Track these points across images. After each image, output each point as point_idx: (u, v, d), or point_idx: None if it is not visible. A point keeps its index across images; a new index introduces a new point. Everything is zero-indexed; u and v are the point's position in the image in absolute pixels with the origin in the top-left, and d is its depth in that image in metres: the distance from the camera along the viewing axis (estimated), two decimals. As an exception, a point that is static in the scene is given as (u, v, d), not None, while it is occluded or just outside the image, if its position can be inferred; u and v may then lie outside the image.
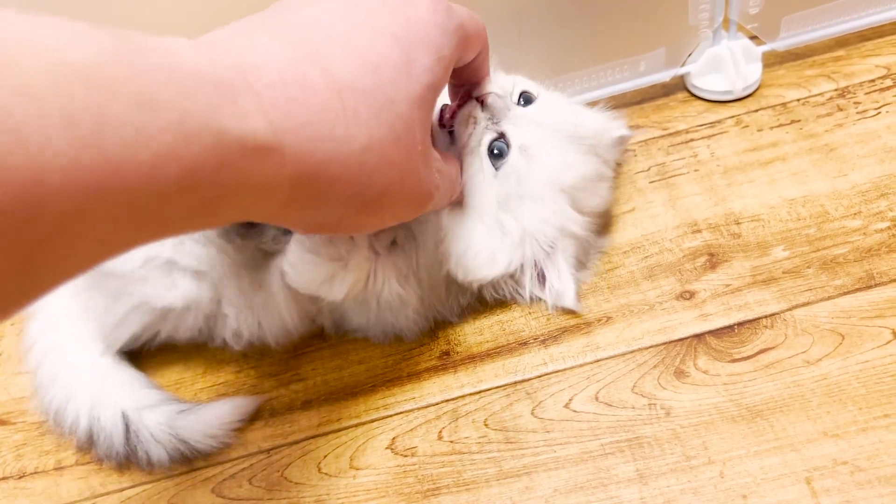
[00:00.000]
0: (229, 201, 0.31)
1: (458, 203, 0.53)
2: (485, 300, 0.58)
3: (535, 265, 0.55)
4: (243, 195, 0.31)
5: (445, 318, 0.58)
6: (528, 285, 0.55)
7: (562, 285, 0.54)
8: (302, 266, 0.48)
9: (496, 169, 0.53)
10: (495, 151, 0.53)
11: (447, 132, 0.54)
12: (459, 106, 0.54)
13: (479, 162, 0.53)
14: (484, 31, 0.46)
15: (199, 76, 0.29)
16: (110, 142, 0.25)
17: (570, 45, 0.69)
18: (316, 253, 0.48)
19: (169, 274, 0.52)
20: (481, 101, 0.53)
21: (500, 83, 0.54)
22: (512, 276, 0.55)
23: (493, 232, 0.53)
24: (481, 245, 0.53)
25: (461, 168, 0.52)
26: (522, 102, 0.56)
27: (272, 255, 0.54)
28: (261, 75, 0.32)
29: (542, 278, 0.55)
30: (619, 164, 0.62)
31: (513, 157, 0.52)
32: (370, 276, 0.52)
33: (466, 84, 0.53)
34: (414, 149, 0.39)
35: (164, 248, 0.51)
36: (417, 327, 0.57)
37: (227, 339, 0.57)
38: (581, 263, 0.57)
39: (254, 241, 0.52)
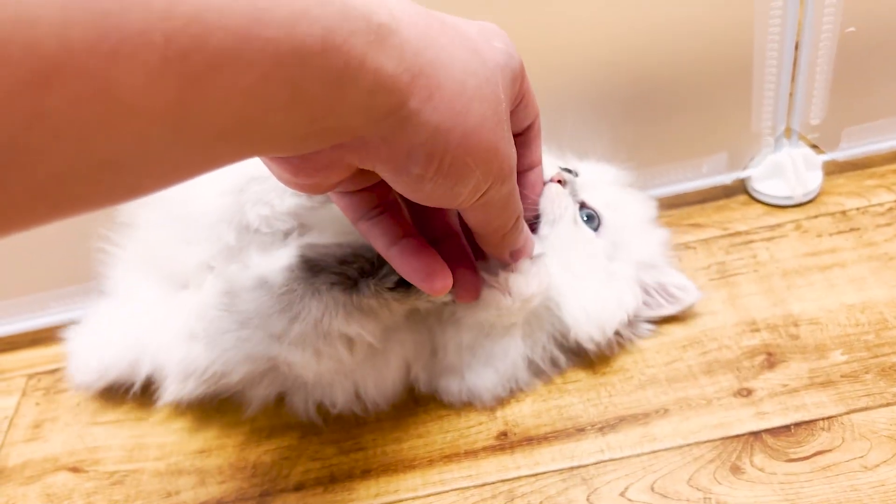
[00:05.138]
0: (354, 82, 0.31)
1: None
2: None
3: (650, 287, 0.61)
4: (364, 76, 0.31)
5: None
6: (654, 304, 0.62)
7: (680, 284, 0.62)
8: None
9: (594, 231, 0.59)
10: (585, 218, 0.59)
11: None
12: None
13: (576, 230, 0.57)
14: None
15: None
16: None
17: (635, 143, 0.71)
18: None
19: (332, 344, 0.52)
20: (559, 181, 0.58)
21: (549, 167, 0.59)
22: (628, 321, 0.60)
23: (606, 284, 0.58)
24: (605, 299, 0.58)
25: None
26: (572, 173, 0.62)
27: (418, 314, 0.57)
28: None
29: (660, 293, 0.62)
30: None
31: (606, 215, 0.60)
32: None
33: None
34: (500, 106, 0.39)
35: (338, 320, 0.50)
36: (498, 388, 0.59)
37: (310, 406, 0.60)
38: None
39: (409, 302, 0.52)
